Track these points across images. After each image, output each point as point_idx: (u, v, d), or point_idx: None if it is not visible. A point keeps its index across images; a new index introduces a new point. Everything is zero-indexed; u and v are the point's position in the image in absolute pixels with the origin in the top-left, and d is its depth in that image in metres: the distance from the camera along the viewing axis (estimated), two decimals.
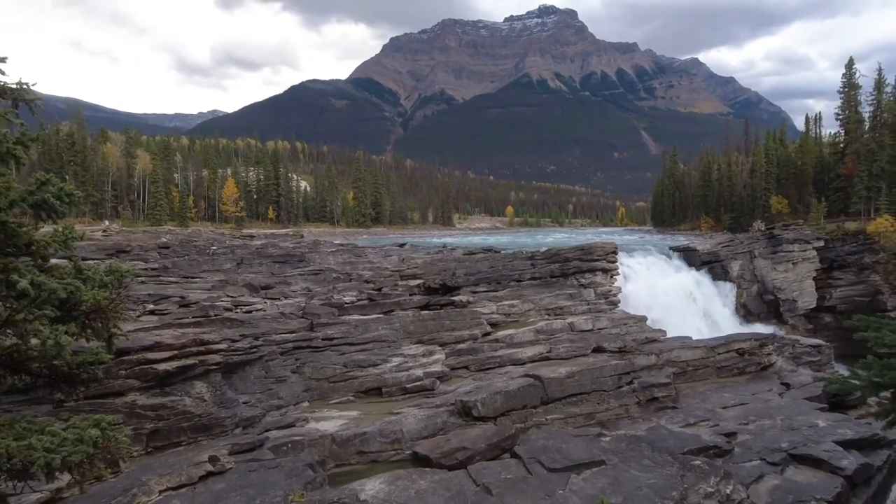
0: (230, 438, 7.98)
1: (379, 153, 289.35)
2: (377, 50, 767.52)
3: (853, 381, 3.56)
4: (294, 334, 11.67)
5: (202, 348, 8.37)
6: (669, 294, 29.55)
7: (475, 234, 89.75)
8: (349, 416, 10.25)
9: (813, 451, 8.25)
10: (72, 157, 66.04)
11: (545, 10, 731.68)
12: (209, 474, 6.76)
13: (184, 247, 25.23)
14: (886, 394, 3.32)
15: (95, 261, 18.63)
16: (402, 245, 40.37)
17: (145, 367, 7.62)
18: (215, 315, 12.76)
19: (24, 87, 4.49)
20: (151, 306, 13.34)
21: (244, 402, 9.13)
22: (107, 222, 59.63)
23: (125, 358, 7.52)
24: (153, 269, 18.44)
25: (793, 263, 36.81)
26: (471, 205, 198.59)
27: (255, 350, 9.83)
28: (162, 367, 7.71)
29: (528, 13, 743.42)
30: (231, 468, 6.87)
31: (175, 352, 7.97)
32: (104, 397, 7.47)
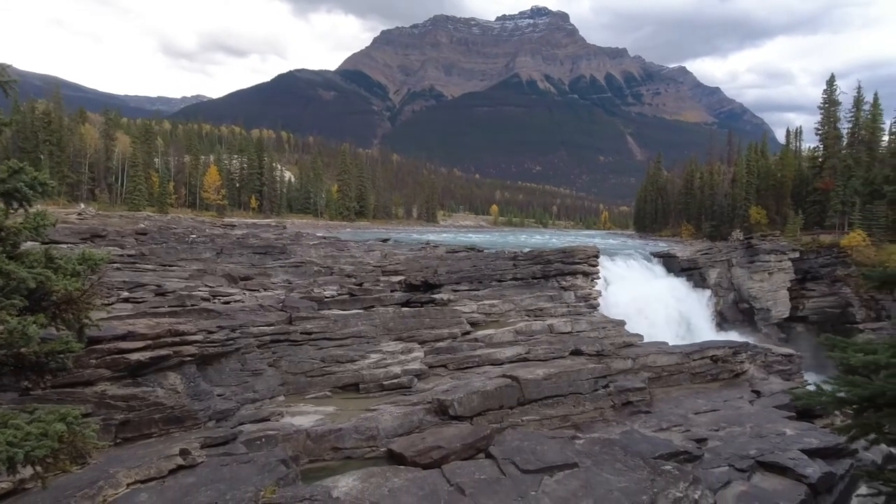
0: (203, 431, 7.87)
1: (366, 146, 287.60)
2: (367, 43, 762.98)
3: (819, 396, 3.64)
4: (272, 327, 11.55)
5: (177, 339, 8.23)
6: (649, 299, 29.93)
7: (459, 232, 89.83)
8: (325, 412, 10.20)
9: (779, 458, 8.45)
10: (47, 137, 64.13)
11: (537, 12, 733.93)
12: (179, 468, 6.65)
13: (162, 233, 24.76)
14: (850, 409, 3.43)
15: (69, 245, 18.19)
16: (385, 240, 40.18)
17: (117, 356, 7.46)
18: (192, 305, 12.55)
19: None
20: (126, 294, 13.07)
21: (218, 395, 9.01)
22: (82, 205, 58.21)
23: (96, 347, 7.35)
24: (129, 256, 18.06)
25: (768, 273, 37.58)
26: (456, 202, 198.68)
27: (231, 342, 9.70)
28: (135, 357, 7.56)
29: (520, 13, 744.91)
30: (202, 462, 6.78)
31: (149, 342, 7.83)
32: (73, 386, 7.31)
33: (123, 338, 7.60)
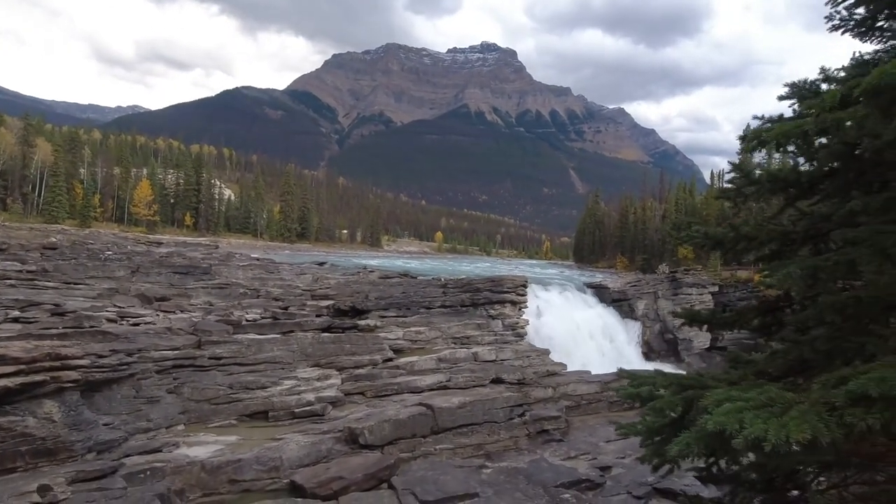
0: (78, 464, 7.25)
1: (313, 168, 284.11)
2: (316, 65, 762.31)
3: (639, 427, 3.80)
4: (177, 351, 10.94)
5: (57, 363, 7.60)
6: (581, 328, 30.74)
7: (401, 258, 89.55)
8: (226, 442, 9.67)
9: (674, 485, 8.73)
10: None
11: (487, 47, 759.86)
12: None
13: (74, 249, 23.12)
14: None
15: None
16: (321, 264, 39.42)
17: None
18: (91, 326, 11.73)
19: None
20: (17, 313, 12.06)
21: (104, 425, 8.36)
22: None
23: None
24: (29, 272, 16.74)
25: (691, 306, 39.57)
26: (401, 227, 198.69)
27: (125, 367, 9.08)
28: (1, 383, 6.92)
29: (470, 47, 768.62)
30: (65, 499, 6.21)
31: (22, 366, 7.18)
32: None
33: None
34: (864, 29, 3.58)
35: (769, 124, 3.58)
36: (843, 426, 2.38)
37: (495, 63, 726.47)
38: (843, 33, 3.61)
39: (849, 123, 2.97)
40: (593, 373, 18.07)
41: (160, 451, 8.60)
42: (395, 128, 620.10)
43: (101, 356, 8.72)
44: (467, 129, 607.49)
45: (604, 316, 35.97)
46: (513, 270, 49.54)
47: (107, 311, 14.60)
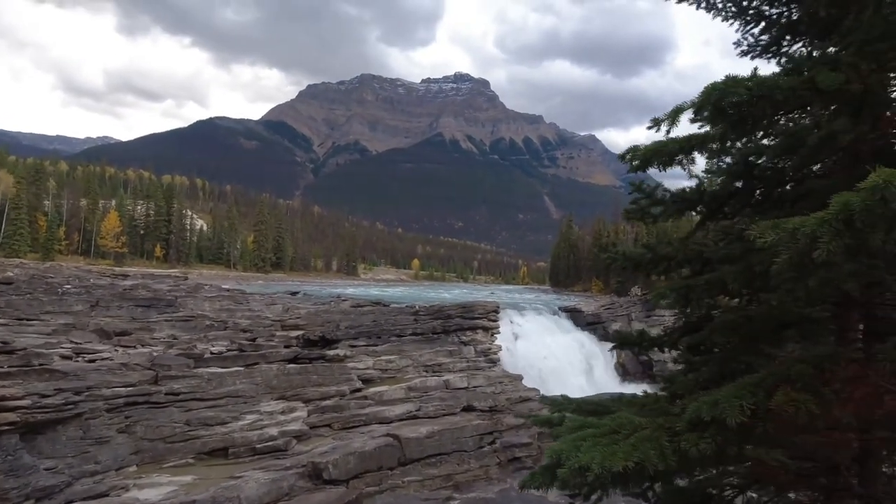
0: None
1: (288, 197, 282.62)
2: (290, 96, 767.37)
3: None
4: (131, 388, 10.47)
5: None
6: (556, 353, 30.67)
7: (377, 286, 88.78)
8: (181, 482, 9.21)
9: None
10: None
11: (460, 77, 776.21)
12: None
13: (31, 283, 22.26)
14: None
15: None
16: (294, 293, 38.81)
17: None
18: (40, 364, 11.16)
19: None
20: None
21: (46, 469, 7.87)
22: None
23: None
24: None
25: (663, 327, 39.93)
26: (377, 256, 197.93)
27: (71, 406, 8.62)
28: None
29: (444, 77, 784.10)
30: None
31: None
32: None
33: None
34: (769, 54, 3.71)
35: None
36: (678, 452, 2.34)
37: (469, 92, 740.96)
38: (752, 58, 3.74)
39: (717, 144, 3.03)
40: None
41: (107, 495, 8.13)
42: (371, 156, 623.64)
43: (44, 396, 8.28)
44: (442, 157, 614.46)
45: (579, 340, 35.95)
46: (490, 296, 49.48)
47: (61, 347, 13.97)
